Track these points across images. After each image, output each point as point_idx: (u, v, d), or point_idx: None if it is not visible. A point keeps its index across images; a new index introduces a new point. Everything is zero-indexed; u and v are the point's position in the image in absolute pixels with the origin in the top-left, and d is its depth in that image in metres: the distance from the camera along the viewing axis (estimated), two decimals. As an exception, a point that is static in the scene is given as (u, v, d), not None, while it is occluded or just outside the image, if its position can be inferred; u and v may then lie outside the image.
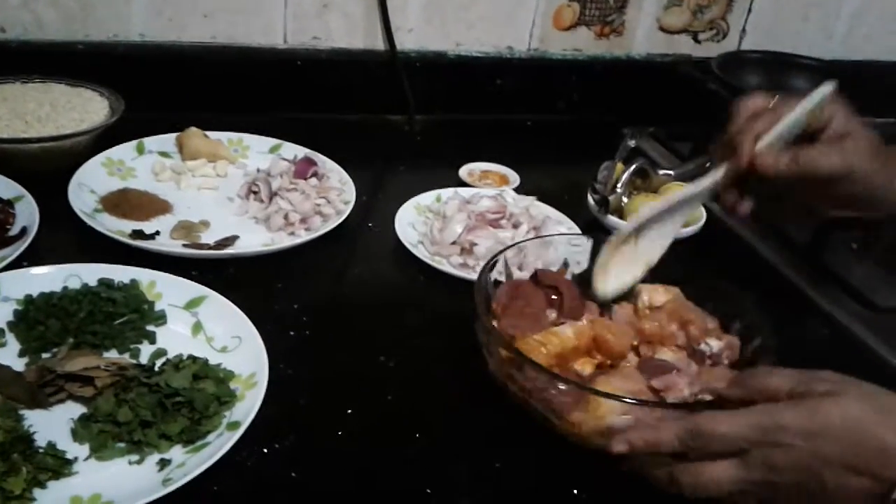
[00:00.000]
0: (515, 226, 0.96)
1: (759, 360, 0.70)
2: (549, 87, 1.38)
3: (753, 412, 0.55)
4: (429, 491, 0.64)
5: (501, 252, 0.79)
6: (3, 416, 0.61)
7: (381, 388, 0.74)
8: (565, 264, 0.84)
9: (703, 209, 1.07)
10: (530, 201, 1.01)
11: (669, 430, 0.58)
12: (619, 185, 1.04)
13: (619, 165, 1.06)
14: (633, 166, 1.05)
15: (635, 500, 0.65)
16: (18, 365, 0.69)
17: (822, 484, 0.53)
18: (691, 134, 1.29)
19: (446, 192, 1.03)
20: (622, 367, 0.71)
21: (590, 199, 1.07)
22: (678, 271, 0.80)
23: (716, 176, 0.73)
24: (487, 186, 1.09)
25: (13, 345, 0.71)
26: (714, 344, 0.73)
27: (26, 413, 0.64)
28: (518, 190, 1.08)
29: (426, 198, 1.03)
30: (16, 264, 0.79)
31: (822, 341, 0.90)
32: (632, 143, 1.12)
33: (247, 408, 0.66)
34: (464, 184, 1.11)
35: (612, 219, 1.03)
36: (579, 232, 0.98)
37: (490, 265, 0.77)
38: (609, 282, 0.77)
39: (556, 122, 1.39)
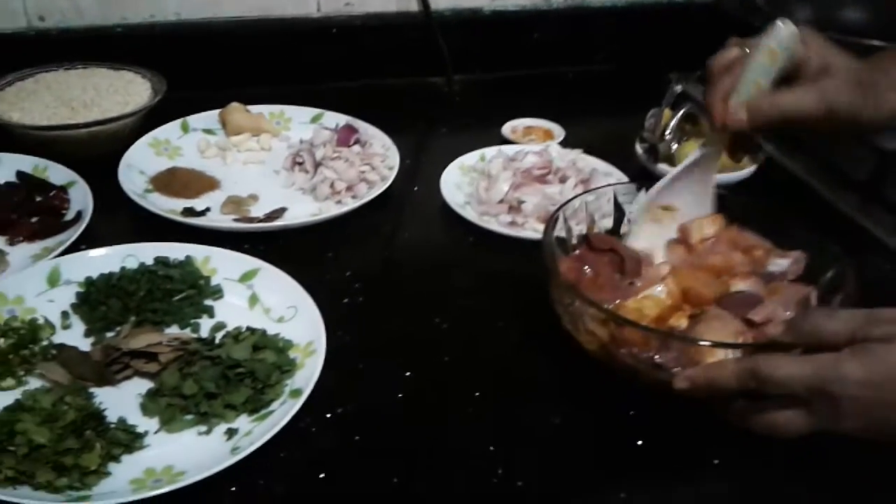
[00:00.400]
0: (562, 180, 0.94)
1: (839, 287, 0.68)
2: (589, 37, 1.35)
3: (813, 361, 0.54)
4: (492, 448, 0.64)
5: (559, 209, 0.77)
6: (74, 395, 0.63)
7: (437, 350, 0.74)
8: (623, 213, 0.82)
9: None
10: (577, 154, 0.99)
11: (729, 370, 0.57)
12: (667, 131, 1.01)
13: (667, 111, 1.04)
14: (682, 111, 1.03)
15: (697, 450, 0.64)
16: (84, 345, 0.71)
17: (889, 424, 0.52)
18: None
19: (490, 151, 1.02)
20: (709, 311, 0.69)
21: (638, 148, 1.05)
22: (736, 212, 0.78)
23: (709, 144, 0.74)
24: (531, 143, 1.08)
25: (78, 326, 0.73)
26: (781, 262, 0.72)
27: (95, 391, 0.66)
28: (563, 144, 1.06)
29: (470, 158, 1.02)
30: (74, 248, 0.80)
31: (886, 277, 0.88)
32: (678, 88, 1.09)
33: (307, 375, 0.66)
34: (507, 141, 1.09)
35: (662, 167, 1.01)
36: (625, 178, 0.96)
37: (552, 223, 0.75)
38: None
39: (598, 72, 1.36)
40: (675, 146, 1.02)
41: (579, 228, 0.78)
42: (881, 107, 0.68)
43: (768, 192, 1.00)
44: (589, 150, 1.03)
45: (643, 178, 0.97)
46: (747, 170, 1.00)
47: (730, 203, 0.78)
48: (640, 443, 0.65)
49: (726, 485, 0.63)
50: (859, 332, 0.53)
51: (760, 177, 1.01)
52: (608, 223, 0.81)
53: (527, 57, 1.33)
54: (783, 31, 0.67)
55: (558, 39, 1.34)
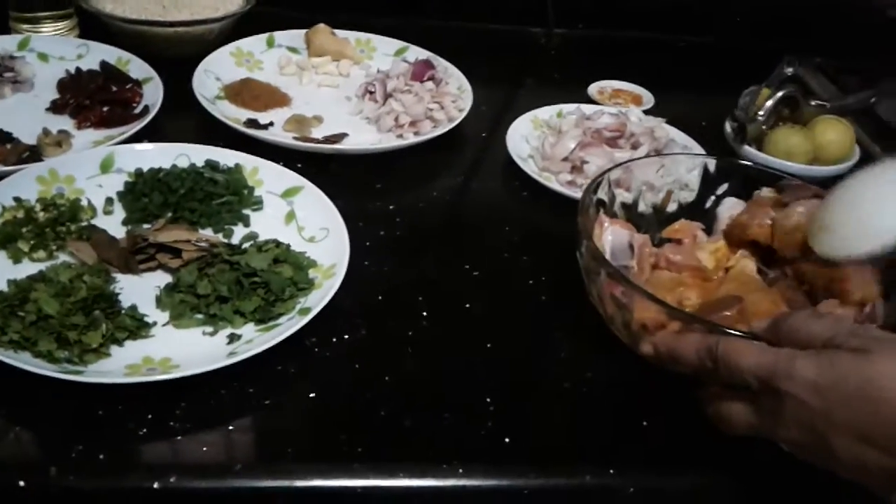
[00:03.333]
0: (635, 146, 0.90)
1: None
2: (710, 5, 1.27)
3: (771, 352, 0.50)
4: (489, 400, 0.62)
5: (607, 172, 0.73)
6: (94, 276, 0.64)
7: (461, 297, 0.72)
8: (671, 190, 0.77)
9: (857, 147, 0.95)
10: (657, 122, 0.94)
11: (691, 343, 0.54)
12: (761, 111, 0.94)
13: (766, 91, 0.96)
14: (781, 93, 0.95)
15: (702, 433, 0.60)
16: (120, 233, 0.72)
17: (830, 451, 0.47)
18: (863, 68, 1.14)
19: (568, 108, 0.98)
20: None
21: (727, 126, 0.98)
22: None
23: None
24: (616, 106, 1.03)
25: (119, 214, 0.75)
26: None
27: (118, 276, 0.68)
28: (650, 112, 1.01)
29: (546, 111, 0.98)
30: (134, 140, 0.82)
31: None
32: (789, 70, 1.01)
33: (321, 296, 0.66)
34: (593, 102, 1.05)
35: (748, 149, 0.94)
36: (701, 150, 0.90)
37: (595, 185, 0.72)
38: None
39: (712, 45, 1.28)
40: (767, 129, 0.95)
41: (627, 196, 0.73)
42: None
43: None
44: (675, 123, 0.97)
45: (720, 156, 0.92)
46: (844, 164, 0.92)
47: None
48: (644, 423, 0.61)
49: (722, 476, 0.59)
50: (837, 339, 0.48)
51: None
52: (689, 196, 0.77)
53: (636, 19, 1.26)
54: None
55: (676, 4, 1.26)
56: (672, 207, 0.77)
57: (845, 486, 0.49)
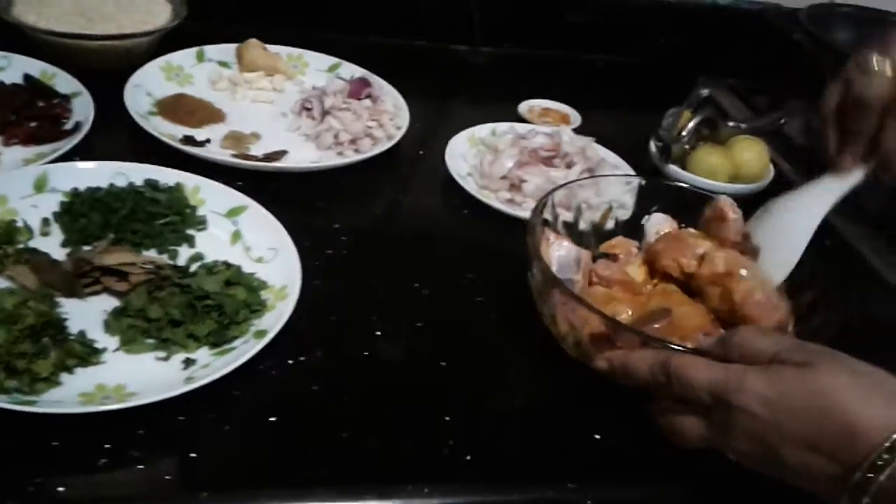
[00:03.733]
0: (569, 166, 0.93)
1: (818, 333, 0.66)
2: (626, 27, 1.33)
3: (722, 367, 0.53)
4: (447, 419, 0.63)
5: (550, 193, 0.76)
6: (38, 301, 0.62)
7: (412, 315, 0.73)
8: (610, 207, 0.81)
9: (770, 165, 1.02)
10: (587, 142, 0.98)
11: (644, 360, 0.57)
12: (683, 132, 0.99)
13: (687, 113, 1.01)
14: (701, 115, 1.00)
15: (653, 445, 0.63)
16: (60, 255, 0.70)
17: (779, 460, 0.51)
18: (772, 89, 1.23)
19: (502, 126, 1.01)
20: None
21: (651, 146, 1.03)
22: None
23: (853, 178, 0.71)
24: (545, 124, 1.06)
25: (57, 235, 0.72)
26: None
27: (63, 301, 0.65)
28: (578, 131, 1.05)
29: (481, 130, 1.00)
30: (67, 158, 0.79)
31: (880, 310, 0.86)
32: (705, 91, 1.07)
33: (275, 318, 0.66)
34: (523, 120, 1.08)
35: (673, 168, 0.99)
36: (633, 172, 0.94)
37: (541, 205, 0.74)
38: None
39: (629, 65, 1.33)
40: (688, 149, 1.00)
41: (568, 216, 0.76)
42: None
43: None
44: (602, 142, 1.01)
45: (652, 176, 0.97)
46: (758, 184, 0.99)
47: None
48: (597, 437, 0.64)
49: (675, 486, 0.62)
50: (782, 354, 0.52)
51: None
52: (624, 214, 0.80)
53: (559, 38, 1.31)
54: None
55: (594, 25, 1.31)
56: (610, 225, 0.80)
57: (792, 494, 0.53)
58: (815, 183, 0.74)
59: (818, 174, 0.74)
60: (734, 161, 0.98)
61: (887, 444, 0.46)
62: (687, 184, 0.88)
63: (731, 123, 1.02)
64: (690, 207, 0.79)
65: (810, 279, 0.70)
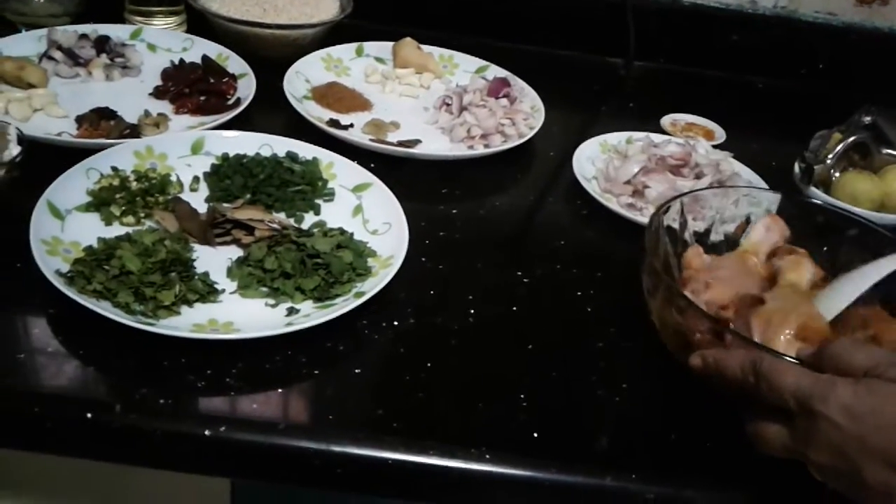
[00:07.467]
0: (698, 177, 0.91)
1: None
2: (791, 50, 1.28)
3: (812, 374, 0.51)
4: (522, 396, 0.65)
5: (678, 197, 0.74)
6: (174, 242, 0.70)
7: (510, 300, 0.75)
8: (747, 221, 0.78)
9: None
10: (723, 156, 0.95)
11: (736, 358, 0.55)
12: (830, 155, 0.95)
13: (837, 135, 0.97)
14: (853, 138, 0.95)
15: (727, 451, 0.61)
16: (202, 208, 0.78)
17: (859, 477, 0.48)
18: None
19: (637, 135, 1.00)
20: None
21: (796, 167, 0.98)
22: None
23: None
24: (687, 138, 1.04)
25: (203, 191, 0.81)
26: None
27: (196, 246, 0.74)
28: (719, 147, 1.02)
29: (615, 137, 1.00)
30: (224, 128, 0.89)
31: None
32: (867, 118, 1.01)
33: (376, 283, 0.70)
34: (664, 132, 1.07)
35: (814, 190, 0.95)
36: (764, 186, 0.91)
37: (664, 208, 0.73)
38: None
39: (791, 88, 1.28)
40: (836, 174, 0.95)
41: (697, 225, 0.75)
42: None
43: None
44: (743, 159, 0.98)
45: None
46: None
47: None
48: (672, 436, 0.63)
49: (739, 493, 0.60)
50: (879, 368, 0.49)
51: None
52: (730, 228, 0.78)
53: (716, 58, 1.28)
54: None
55: (756, 46, 1.28)
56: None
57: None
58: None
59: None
60: (884, 189, 0.92)
61: None
62: (821, 201, 0.84)
63: (886, 151, 0.96)
64: (824, 228, 0.75)
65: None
